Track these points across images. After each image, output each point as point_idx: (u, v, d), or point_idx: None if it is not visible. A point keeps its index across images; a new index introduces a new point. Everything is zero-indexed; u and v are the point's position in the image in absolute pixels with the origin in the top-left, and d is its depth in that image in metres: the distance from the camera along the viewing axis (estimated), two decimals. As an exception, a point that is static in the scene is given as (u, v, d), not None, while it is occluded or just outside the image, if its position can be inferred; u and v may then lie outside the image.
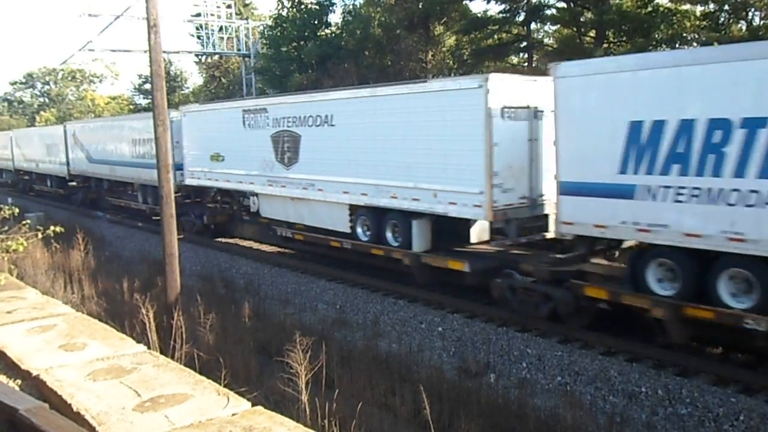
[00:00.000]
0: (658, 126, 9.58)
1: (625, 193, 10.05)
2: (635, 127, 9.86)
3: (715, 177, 9.05)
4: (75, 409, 3.15)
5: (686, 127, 9.29)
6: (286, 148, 16.95)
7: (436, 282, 13.98)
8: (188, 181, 21.62)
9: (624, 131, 9.96)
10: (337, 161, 15.34)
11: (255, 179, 18.35)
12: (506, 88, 12.21)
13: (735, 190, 8.87)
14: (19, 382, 3.73)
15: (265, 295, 16.11)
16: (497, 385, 10.52)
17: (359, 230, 15.37)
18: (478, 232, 14.20)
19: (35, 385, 3.59)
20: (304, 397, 6.57)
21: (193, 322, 10.44)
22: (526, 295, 11.78)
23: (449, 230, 13.96)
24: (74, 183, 32.41)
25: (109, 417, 3.06)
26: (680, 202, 9.44)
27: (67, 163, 31.57)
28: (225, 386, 3.54)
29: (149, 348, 4.42)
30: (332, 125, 15.42)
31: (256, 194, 18.66)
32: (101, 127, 29.80)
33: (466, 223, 13.85)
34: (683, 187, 9.41)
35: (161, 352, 5.27)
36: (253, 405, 3.18)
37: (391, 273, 14.95)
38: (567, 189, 10.87)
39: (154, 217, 23.87)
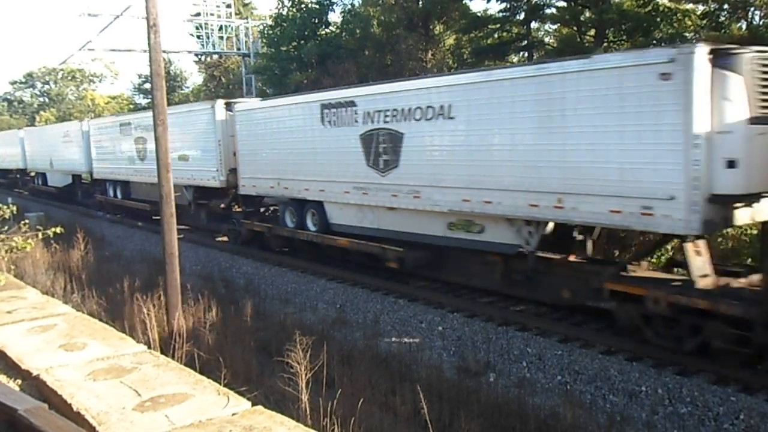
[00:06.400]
0: None
1: None
2: None
3: None
4: (75, 409, 3.15)
5: None
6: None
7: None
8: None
9: None
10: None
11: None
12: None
13: None
14: (19, 382, 3.73)
15: (266, 295, 16.12)
16: (497, 384, 10.52)
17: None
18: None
19: (35, 385, 3.60)
20: (304, 397, 6.58)
21: (193, 321, 10.45)
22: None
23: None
24: None
25: (109, 417, 3.06)
26: None
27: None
28: (225, 386, 3.54)
29: (150, 348, 4.43)
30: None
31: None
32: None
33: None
34: None
35: (161, 352, 5.28)
36: (253, 405, 3.19)
37: (391, 272, 14.95)
38: None
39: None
